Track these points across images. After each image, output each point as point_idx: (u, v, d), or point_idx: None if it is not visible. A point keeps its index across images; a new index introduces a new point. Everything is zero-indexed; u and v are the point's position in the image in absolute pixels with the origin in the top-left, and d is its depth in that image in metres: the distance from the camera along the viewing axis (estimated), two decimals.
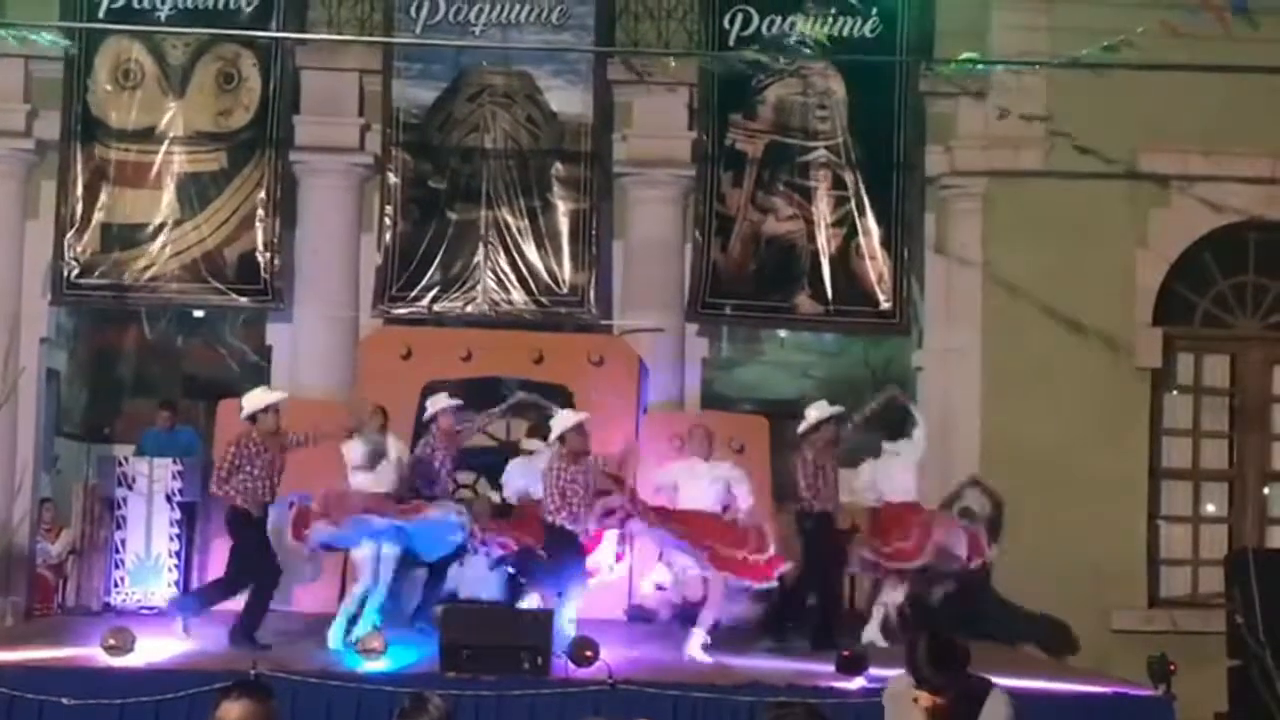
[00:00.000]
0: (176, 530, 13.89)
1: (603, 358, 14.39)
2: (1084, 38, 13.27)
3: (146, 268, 14.53)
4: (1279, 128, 14.71)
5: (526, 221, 14.66)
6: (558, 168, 14.73)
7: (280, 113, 14.66)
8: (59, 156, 14.60)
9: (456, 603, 12.93)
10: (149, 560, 13.82)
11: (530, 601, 12.26)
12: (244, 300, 14.73)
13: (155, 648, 10.64)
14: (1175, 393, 15.29)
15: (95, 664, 10.26)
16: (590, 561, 12.18)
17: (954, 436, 14.86)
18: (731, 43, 14.62)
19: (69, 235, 14.49)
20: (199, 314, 15.66)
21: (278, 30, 14.51)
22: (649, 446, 14.09)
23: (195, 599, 12.17)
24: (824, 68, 14.77)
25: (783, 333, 16.04)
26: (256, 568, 11.62)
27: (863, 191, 14.75)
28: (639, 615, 13.90)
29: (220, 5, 14.57)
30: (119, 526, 13.90)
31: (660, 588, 13.19)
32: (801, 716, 5.38)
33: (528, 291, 14.61)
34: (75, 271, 14.52)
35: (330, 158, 14.85)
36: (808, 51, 14.58)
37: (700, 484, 12.09)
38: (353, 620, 11.54)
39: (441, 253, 14.64)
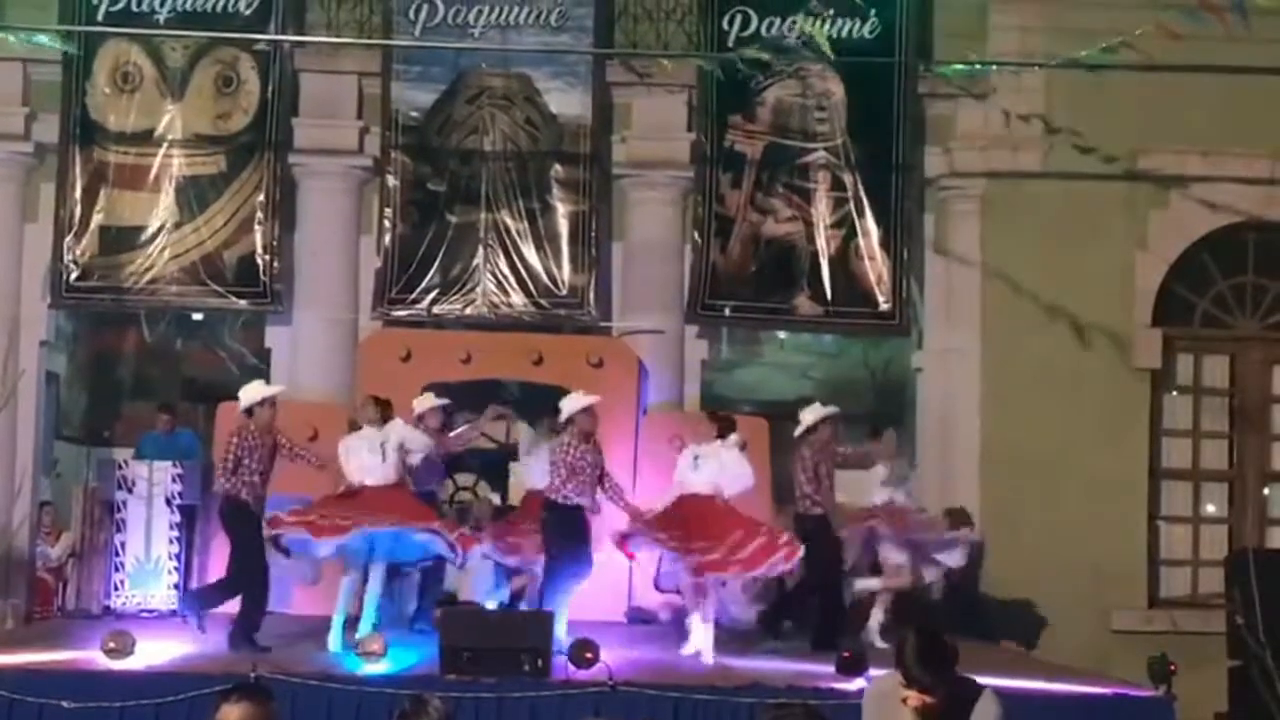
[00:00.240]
0: (176, 533, 13.89)
1: (602, 359, 14.40)
2: (1083, 39, 13.27)
3: (145, 270, 14.53)
4: (1277, 128, 14.72)
5: (526, 223, 14.66)
6: (557, 169, 14.74)
7: (279, 115, 14.67)
8: (58, 159, 14.61)
9: (456, 605, 12.94)
10: (149, 563, 13.82)
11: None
12: (243, 303, 14.74)
13: (155, 651, 10.61)
14: (1175, 393, 15.30)
15: (95, 667, 10.24)
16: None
17: (954, 437, 14.88)
18: (730, 44, 14.61)
19: (68, 238, 14.49)
20: (198, 317, 15.65)
21: (276, 33, 14.51)
22: (648, 448, 14.12)
23: (201, 597, 12.16)
24: (823, 69, 14.77)
25: (782, 334, 16.03)
26: (256, 564, 11.61)
27: (862, 193, 14.76)
28: (639, 617, 13.91)
29: (219, 8, 14.58)
30: (119, 529, 13.89)
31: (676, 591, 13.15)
32: (800, 717, 5.37)
33: (527, 293, 14.62)
34: (74, 274, 14.53)
35: (329, 160, 14.86)
36: (808, 54, 14.57)
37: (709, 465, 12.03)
38: (351, 621, 11.52)
39: (441, 255, 14.64)
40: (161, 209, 14.54)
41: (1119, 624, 14.44)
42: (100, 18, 14.43)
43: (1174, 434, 15.25)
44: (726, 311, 14.89)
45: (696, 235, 14.83)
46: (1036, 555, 14.19)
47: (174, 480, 13.94)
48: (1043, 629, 14.16)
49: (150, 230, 14.54)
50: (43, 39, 13.86)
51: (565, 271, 14.66)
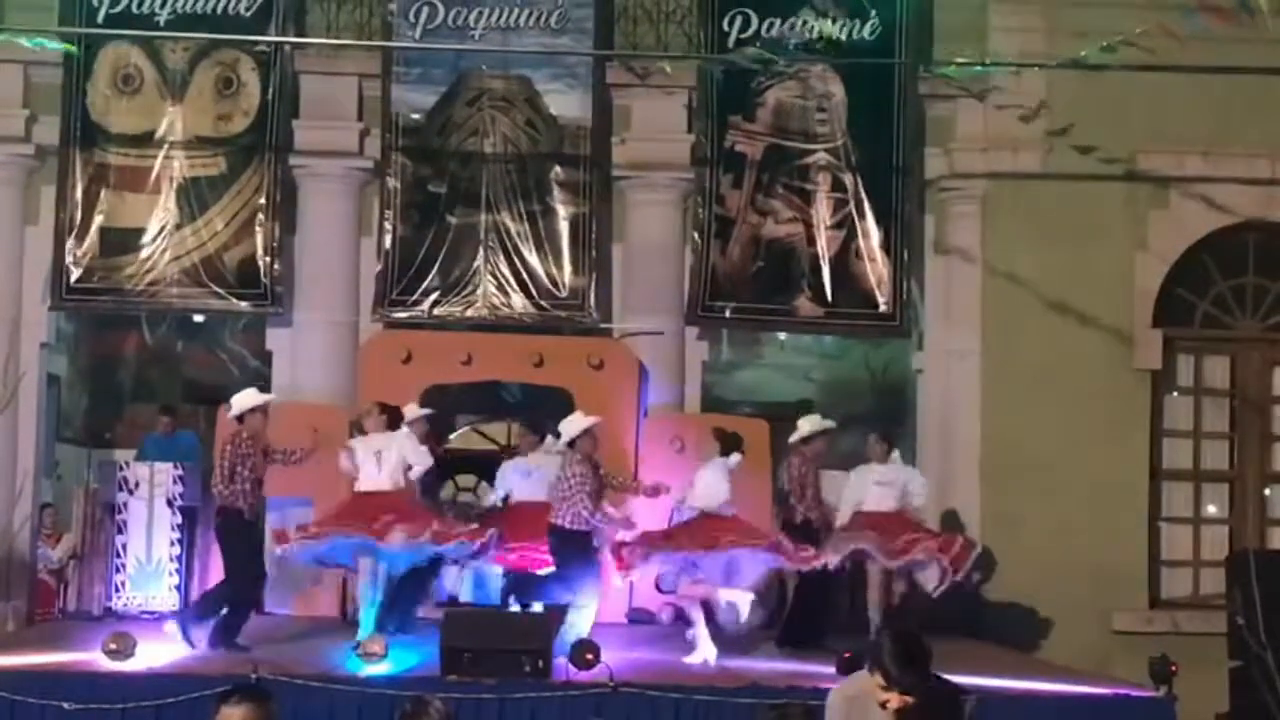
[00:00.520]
0: (177, 535, 13.89)
1: (603, 361, 14.40)
2: (1082, 39, 13.28)
3: (146, 272, 14.53)
4: (1278, 129, 14.72)
5: (526, 225, 14.66)
6: (557, 171, 14.74)
7: (279, 117, 14.66)
8: (58, 161, 14.61)
9: (457, 606, 12.94)
10: (150, 565, 13.82)
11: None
12: (244, 305, 14.72)
13: (156, 652, 10.63)
14: (1176, 394, 15.30)
15: (96, 668, 10.25)
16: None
17: (954, 439, 14.88)
18: (730, 45, 14.62)
19: (69, 240, 14.49)
20: (199, 319, 15.64)
21: (277, 35, 14.51)
22: (649, 449, 14.12)
23: (197, 611, 12.15)
24: (823, 70, 14.78)
25: (782, 336, 16.03)
26: (249, 572, 11.63)
27: (862, 194, 14.76)
28: (640, 618, 13.92)
29: (219, 10, 14.57)
30: (120, 531, 13.89)
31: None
32: (800, 717, 5.37)
33: (528, 295, 14.61)
34: (75, 276, 14.52)
35: (330, 162, 14.85)
36: (807, 54, 14.58)
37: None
38: (385, 606, 11.59)
39: (441, 257, 14.64)
40: (162, 211, 14.53)
41: (1120, 625, 14.45)
42: (101, 20, 14.43)
43: (1174, 435, 15.25)
44: (727, 313, 14.88)
45: (697, 237, 14.83)
46: (1037, 556, 14.19)
47: (175, 482, 13.95)
48: (1044, 630, 14.16)
49: (151, 232, 14.53)
50: (43, 41, 13.85)
51: (566, 273, 14.66)
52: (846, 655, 10.42)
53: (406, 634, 11.65)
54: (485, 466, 14.91)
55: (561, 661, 10.31)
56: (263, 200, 14.60)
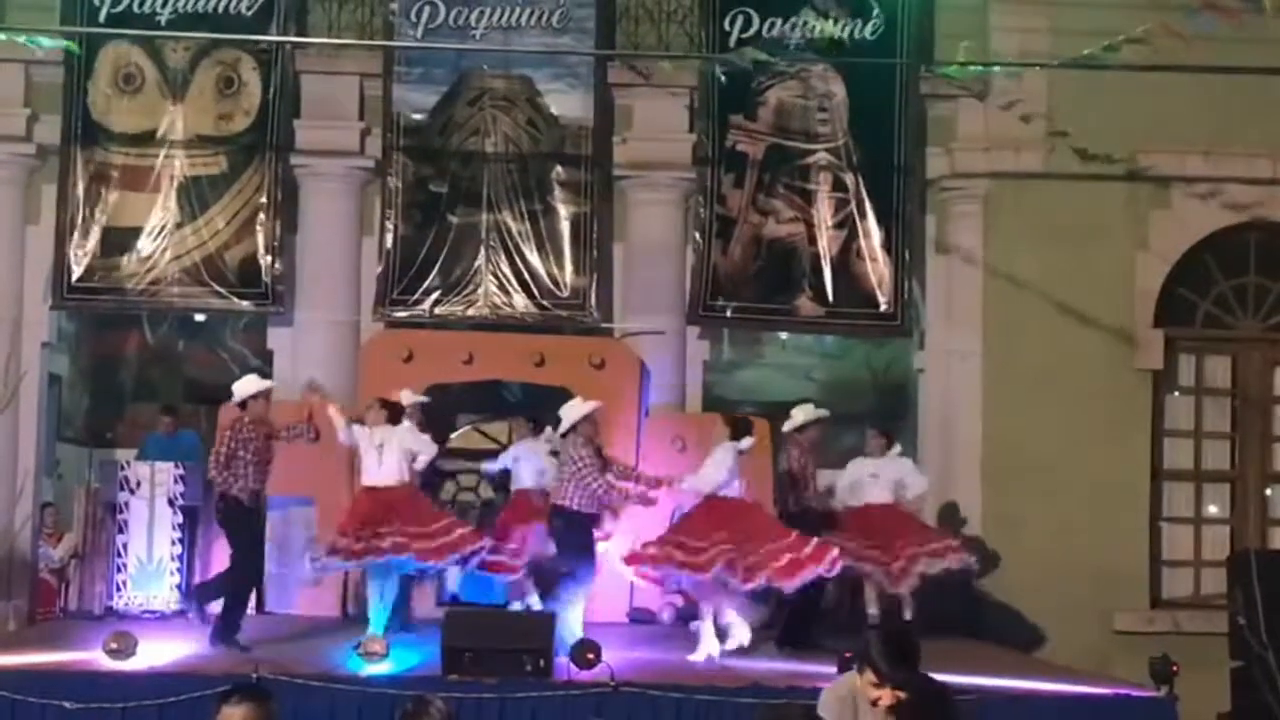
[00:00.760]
0: (178, 534, 13.88)
1: (604, 360, 14.41)
2: (1084, 39, 13.27)
3: (147, 272, 14.53)
4: (1279, 128, 14.71)
5: (527, 225, 14.66)
6: (558, 171, 14.74)
7: (281, 117, 14.67)
8: (59, 161, 14.61)
9: (459, 606, 12.95)
10: (151, 564, 13.81)
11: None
12: (245, 304, 14.73)
13: (157, 651, 10.62)
14: (1177, 394, 15.30)
15: (97, 668, 10.25)
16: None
17: (955, 438, 14.89)
18: (732, 45, 14.61)
19: (70, 240, 14.49)
20: (200, 318, 15.64)
21: (278, 34, 14.51)
22: (650, 449, 14.13)
23: (203, 591, 12.19)
24: (824, 70, 14.78)
25: (783, 335, 16.03)
26: (252, 562, 11.63)
27: (863, 193, 14.76)
28: (641, 617, 13.92)
29: (220, 9, 14.58)
30: (121, 531, 13.88)
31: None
32: (800, 717, 5.37)
33: (529, 295, 14.61)
34: (76, 276, 14.52)
35: (331, 161, 14.86)
36: (809, 54, 14.58)
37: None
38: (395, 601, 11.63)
39: (442, 256, 14.64)
40: (163, 210, 14.54)
41: (1121, 625, 14.45)
42: (102, 19, 14.42)
43: (1176, 435, 15.25)
44: (728, 312, 14.88)
45: (698, 236, 14.83)
46: (1038, 556, 14.19)
47: (176, 481, 13.93)
48: (1045, 630, 14.15)
49: (152, 231, 14.53)
50: (44, 40, 13.84)
51: (567, 273, 14.66)
52: (847, 655, 10.42)
53: (408, 631, 11.66)
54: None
55: (563, 661, 10.31)
56: (264, 199, 14.60)
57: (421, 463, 12.01)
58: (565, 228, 14.69)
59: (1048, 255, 14.66)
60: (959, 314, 15.00)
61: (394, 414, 11.93)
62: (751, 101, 14.81)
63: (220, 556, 12.77)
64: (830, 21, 14.65)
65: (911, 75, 14.76)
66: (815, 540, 11.58)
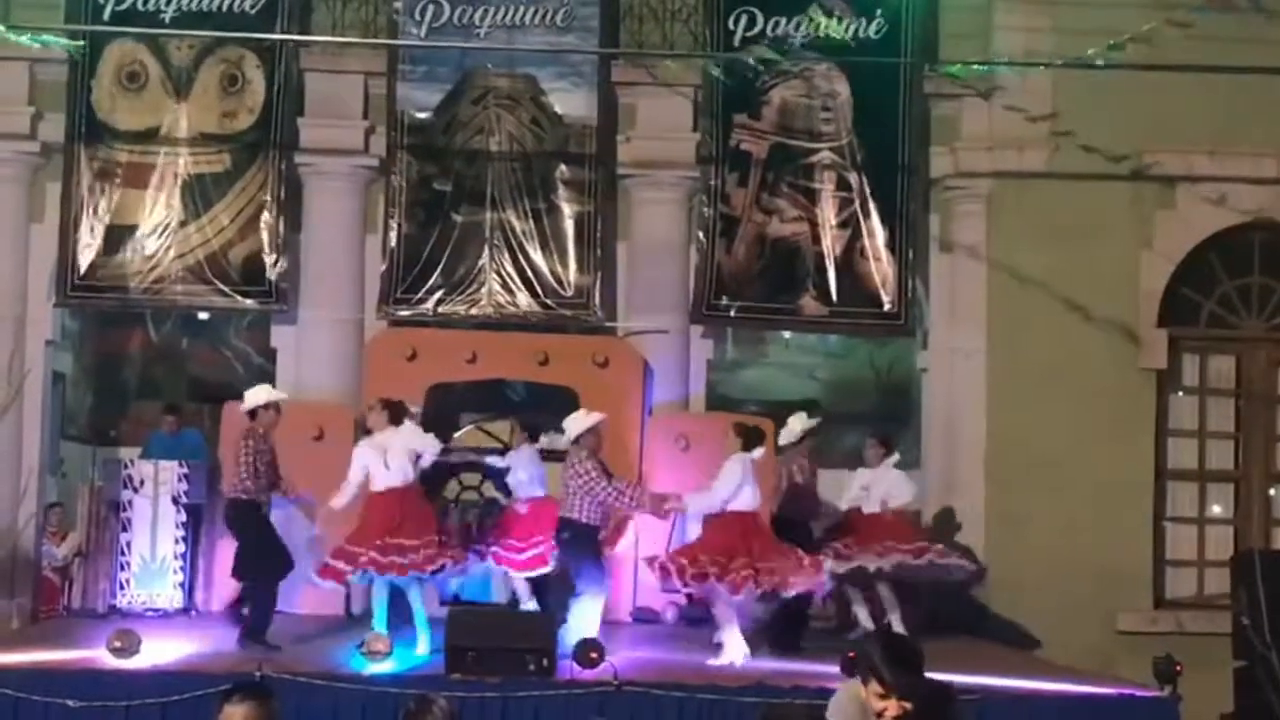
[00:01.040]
0: (182, 532, 13.87)
1: (607, 359, 14.40)
2: (1088, 38, 13.26)
3: (151, 270, 14.53)
4: None
5: (531, 224, 14.66)
6: (562, 170, 14.73)
7: (284, 115, 14.66)
8: (63, 159, 14.61)
9: (461, 605, 12.95)
10: (154, 563, 13.81)
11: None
12: (249, 302, 14.73)
13: (160, 650, 10.63)
14: (1181, 394, 15.28)
15: (101, 666, 10.25)
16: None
17: (959, 438, 14.89)
18: (736, 44, 14.63)
19: (74, 237, 14.49)
20: (204, 316, 15.66)
21: (282, 33, 14.50)
22: (653, 448, 14.13)
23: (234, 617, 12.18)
24: (828, 69, 14.77)
25: (787, 334, 16.04)
26: (270, 562, 11.62)
27: (867, 193, 14.75)
28: (644, 617, 13.91)
29: (224, 7, 14.57)
30: (124, 529, 13.87)
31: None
32: (800, 717, 5.36)
33: (532, 294, 14.61)
34: (80, 274, 14.52)
35: (335, 160, 14.86)
36: (813, 53, 14.57)
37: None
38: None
39: (446, 255, 14.64)
40: (166, 208, 14.54)
41: (1124, 624, 14.44)
42: (106, 17, 14.42)
43: (1180, 434, 15.23)
44: (732, 312, 14.87)
45: (701, 235, 14.82)
46: (1042, 555, 14.19)
47: (180, 480, 13.93)
48: (1048, 629, 14.13)
49: (156, 229, 14.53)
50: (48, 38, 13.85)
51: (571, 272, 14.66)
52: (851, 655, 10.42)
53: (412, 625, 11.64)
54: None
55: (566, 660, 10.31)
56: (268, 197, 14.60)
57: (426, 461, 12.00)
58: (569, 226, 14.69)
59: (1051, 255, 14.65)
60: (963, 313, 14.99)
61: (396, 414, 11.90)
62: (755, 100, 14.80)
63: (224, 556, 12.77)
64: (834, 20, 14.65)
65: (916, 74, 14.76)
66: (808, 556, 11.66)
